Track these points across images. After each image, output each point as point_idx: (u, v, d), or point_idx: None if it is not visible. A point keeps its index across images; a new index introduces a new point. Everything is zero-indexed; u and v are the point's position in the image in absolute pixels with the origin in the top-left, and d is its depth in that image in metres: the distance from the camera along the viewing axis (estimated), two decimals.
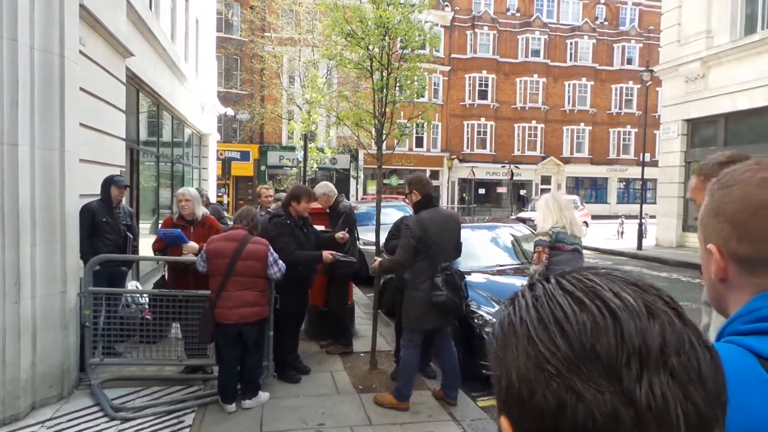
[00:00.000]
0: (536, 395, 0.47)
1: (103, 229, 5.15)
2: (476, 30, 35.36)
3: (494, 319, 0.57)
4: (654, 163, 24.14)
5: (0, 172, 3.82)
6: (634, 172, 36.13)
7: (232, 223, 4.72)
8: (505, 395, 0.51)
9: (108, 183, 5.30)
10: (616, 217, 26.91)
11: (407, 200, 4.49)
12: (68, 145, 4.36)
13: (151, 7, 9.07)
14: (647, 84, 17.13)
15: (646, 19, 37.34)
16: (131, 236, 5.52)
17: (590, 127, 37.19)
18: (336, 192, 6.02)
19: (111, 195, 5.27)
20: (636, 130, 36.79)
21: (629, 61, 36.98)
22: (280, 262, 4.36)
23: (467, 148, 35.67)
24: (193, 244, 4.88)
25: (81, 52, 4.87)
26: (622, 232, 20.65)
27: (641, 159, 17.61)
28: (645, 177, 17.07)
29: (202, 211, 5.15)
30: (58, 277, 4.34)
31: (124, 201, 5.64)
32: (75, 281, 4.57)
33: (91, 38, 5.53)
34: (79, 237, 4.69)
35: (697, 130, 15.79)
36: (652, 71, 16.86)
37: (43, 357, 4.22)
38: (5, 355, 3.92)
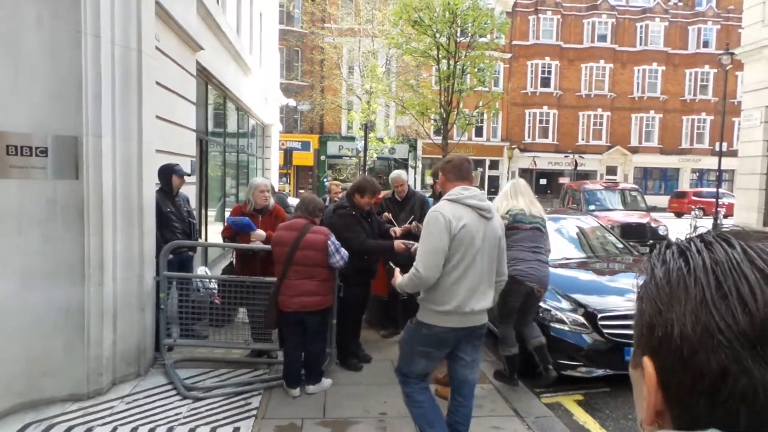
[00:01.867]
0: (698, 357, 0.49)
1: (169, 218, 5.31)
2: (539, 15, 34.26)
3: (640, 275, 0.58)
4: (732, 153, 22.66)
5: (86, 162, 4.06)
6: (708, 162, 34.04)
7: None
8: (659, 344, 0.52)
9: (169, 172, 5.36)
10: (689, 209, 25.49)
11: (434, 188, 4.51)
12: (145, 136, 4.56)
13: (218, 2, 9.35)
14: (726, 68, 16.06)
15: None
16: (194, 222, 5.70)
17: (661, 115, 35.31)
18: None
19: (172, 184, 5.41)
20: (712, 117, 34.62)
21: (705, 44, 34.73)
22: (343, 250, 4.34)
23: (528, 137, 34.77)
24: (260, 232, 5.01)
25: (156, 47, 5.08)
26: (696, 226, 19.56)
27: (718, 148, 16.58)
28: (722, 168, 16.09)
29: (272, 200, 5.28)
30: (135, 261, 4.58)
31: (183, 188, 5.78)
32: (151, 266, 4.80)
33: (164, 33, 5.75)
34: (154, 225, 4.91)
35: None
36: (732, 54, 15.79)
37: (123, 337, 4.47)
38: (90, 334, 4.19)
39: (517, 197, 4.78)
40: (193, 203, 7.01)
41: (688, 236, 0.58)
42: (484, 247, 3.01)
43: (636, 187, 16.57)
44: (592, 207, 13.31)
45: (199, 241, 5.67)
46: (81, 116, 4.01)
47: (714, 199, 24.99)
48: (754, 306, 0.47)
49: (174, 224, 5.38)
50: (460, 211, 2.96)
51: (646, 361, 0.53)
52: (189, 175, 5.73)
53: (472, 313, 3.02)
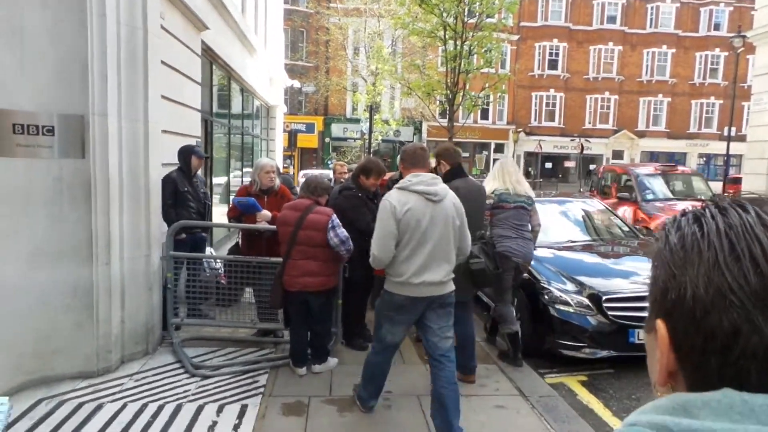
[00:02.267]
0: (710, 317, 0.50)
1: (185, 197, 5.39)
2: None
3: (664, 232, 0.58)
4: (740, 138, 22.44)
5: (92, 141, 4.06)
6: (716, 147, 33.77)
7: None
8: (671, 306, 0.53)
9: (188, 153, 5.50)
10: None
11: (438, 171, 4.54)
12: (151, 116, 4.55)
13: None
14: (738, 51, 15.80)
15: None
16: (209, 203, 5.77)
17: (669, 99, 34.95)
18: None
19: (191, 165, 5.50)
20: (721, 101, 34.25)
21: (716, 27, 34.22)
22: (340, 230, 4.25)
23: (535, 120, 34.52)
24: (266, 213, 5.02)
25: (161, 25, 5.04)
26: None
27: (726, 133, 16.41)
28: (730, 152, 15.95)
29: (278, 181, 5.29)
30: (142, 241, 4.60)
31: (200, 170, 5.87)
32: (158, 246, 4.83)
33: (169, 12, 5.71)
34: (162, 205, 4.94)
35: None
36: (744, 37, 15.55)
37: (131, 316, 4.52)
38: (99, 313, 4.23)
39: (503, 177, 4.94)
40: None
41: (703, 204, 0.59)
42: (432, 228, 3.37)
43: (696, 170, 13.95)
44: (649, 196, 11.04)
45: (205, 221, 5.68)
46: (87, 95, 4.01)
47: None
48: (766, 267, 0.48)
49: (190, 204, 5.45)
50: (406, 197, 3.37)
51: (659, 324, 0.54)
52: (207, 156, 5.78)
53: (425, 285, 3.39)
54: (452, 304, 3.58)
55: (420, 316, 3.51)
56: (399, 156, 3.79)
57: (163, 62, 5.11)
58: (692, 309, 0.51)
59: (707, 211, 0.56)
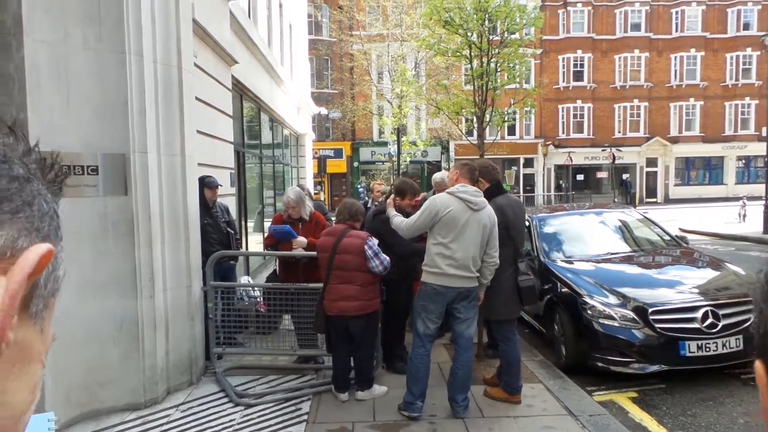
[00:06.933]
0: None
1: (206, 231, 5.38)
2: (569, 8, 33.65)
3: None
4: None
5: (134, 178, 4.20)
6: (755, 148, 32.67)
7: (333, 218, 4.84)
8: (762, 343, 0.50)
9: (200, 186, 5.37)
10: (736, 198, 24.53)
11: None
12: (188, 150, 4.69)
13: (249, 16, 9.55)
14: None
15: None
16: (232, 231, 5.82)
17: (701, 102, 34.10)
18: None
19: (205, 197, 5.52)
20: (756, 101, 33.23)
21: (746, 27, 33.40)
22: (383, 255, 4.28)
23: (563, 132, 34.12)
24: (302, 239, 5.06)
25: (194, 63, 5.22)
26: (745, 215, 18.77)
27: (765, 133, 15.86)
28: None
29: (308, 208, 5.30)
30: (183, 272, 4.70)
31: (219, 199, 5.93)
32: (198, 276, 4.92)
33: (201, 49, 5.91)
34: (199, 236, 5.04)
35: None
36: None
37: (175, 347, 4.59)
38: (144, 345, 4.32)
39: None
40: (233, 214, 7.15)
41: None
42: (467, 230, 3.87)
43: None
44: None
45: (242, 250, 5.76)
46: (128, 134, 4.15)
47: None
48: None
49: (212, 236, 5.50)
50: (450, 201, 3.91)
51: (757, 365, 0.53)
52: (220, 186, 5.82)
53: (456, 277, 3.89)
54: (477, 298, 4.08)
55: (450, 309, 3.98)
56: (458, 167, 4.24)
57: (197, 98, 5.27)
58: None
59: None
